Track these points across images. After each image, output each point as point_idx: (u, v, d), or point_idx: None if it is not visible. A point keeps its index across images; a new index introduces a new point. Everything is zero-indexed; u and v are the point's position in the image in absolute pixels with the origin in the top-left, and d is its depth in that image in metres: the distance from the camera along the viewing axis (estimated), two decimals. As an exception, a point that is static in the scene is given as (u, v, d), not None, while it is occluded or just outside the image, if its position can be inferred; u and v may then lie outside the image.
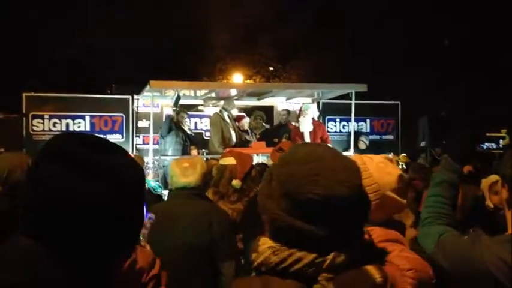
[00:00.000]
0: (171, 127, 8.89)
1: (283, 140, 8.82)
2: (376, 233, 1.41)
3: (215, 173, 3.97)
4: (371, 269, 1.18)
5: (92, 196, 0.99)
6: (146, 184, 2.09)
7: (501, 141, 8.30)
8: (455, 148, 2.03)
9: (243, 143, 8.62)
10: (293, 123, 9.83)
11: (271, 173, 1.23)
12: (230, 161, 3.91)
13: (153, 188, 2.63)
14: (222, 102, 9.96)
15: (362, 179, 1.22)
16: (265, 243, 1.20)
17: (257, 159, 7.69)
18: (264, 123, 9.89)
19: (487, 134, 8.54)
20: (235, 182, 3.78)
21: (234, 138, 8.56)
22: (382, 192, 1.60)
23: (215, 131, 8.48)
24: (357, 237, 1.21)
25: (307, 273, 1.13)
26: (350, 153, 9.34)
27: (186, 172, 3.11)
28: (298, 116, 9.11)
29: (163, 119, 9.46)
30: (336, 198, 1.12)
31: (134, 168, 1.10)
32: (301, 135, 8.85)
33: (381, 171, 1.64)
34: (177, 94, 8.92)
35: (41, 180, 1.01)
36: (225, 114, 8.62)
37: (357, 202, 1.16)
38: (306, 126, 8.75)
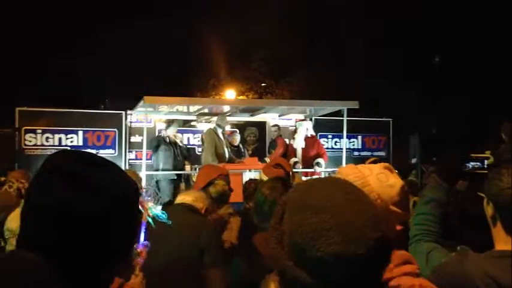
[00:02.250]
0: (159, 143, 8.92)
1: (270, 156, 8.96)
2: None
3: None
4: None
5: (87, 209, 1.04)
6: (150, 212, 2.13)
7: (486, 162, 8.42)
8: (442, 168, 2.09)
9: (234, 159, 8.66)
10: (285, 140, 9.91)
11: (283, 213, 1.13)
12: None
13: (156, 216, 2.65)
14: (215, 119, 10.01)
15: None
16: None
17: (249, 175, 7.73)
18: (256, 139, 9.96)
19: (472, 155, 8.69)
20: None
21: (226, 155, 8.59)
22: (385, 206, 1.51)
23: (208, 146, 8.51)
24: (376, 283, 1.12)
25: None
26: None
27: (189, 193, 3.36)
28: (293, 133, 9.23)
29: (156, 134, 9.50)
30: (350, 257, 1.01)
31: (127, 182, 1.16)
32: (295, 151, 8.96)
33: (382, 184, 1.55)
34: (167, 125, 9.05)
35: (39, 195, 1.07)
36: (219, 131, 8.66)
37: (377, 255, 1.04)
38: (298, 143, 8.87)
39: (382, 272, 1.13)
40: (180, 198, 3.39)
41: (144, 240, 2.03)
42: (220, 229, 3.81)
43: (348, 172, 1.61)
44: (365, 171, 1.58)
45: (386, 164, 1.65)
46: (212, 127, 8.82)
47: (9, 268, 1.02)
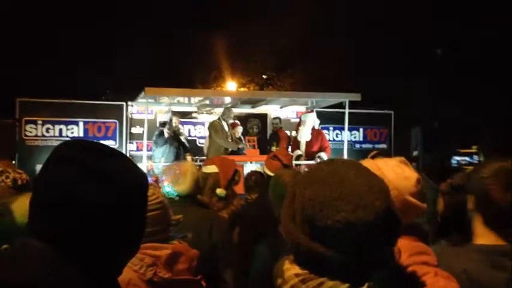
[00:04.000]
0: (163, 136, 8.88)
1: (276, 148, 8.89)
2: (404, 246, 1.34)
3: (200, 182, 3.97)
4: None
5: (97, 199, 1.03)
6: (162, 190, 2.14)
7: (475, 157, 8.44)
8: (428, 167, 2.09)
9: (238, 151, 8.63)
10: (286, 132, 9.88)
11: (294, 191, 1.17)
12: (213, 169, 3.89)
13: (167, 194, 2.61)
14: (216, 110, 9.99)
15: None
16: (290, 268, 1.14)
17: (251, 166, 7.71)
18: (258, 131, 9.94)
19: (460, 150, 8.73)
20: (220, 191, 3.76)
21: (229, 146, 8.58)
22: (402, 197, 1.53)
23: (218, 135, 8.46)
24: (389, 260, 1.14)
25: None
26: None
27: (177, 180, 3.06)
28: (298, 125, 9.15)
29: (157, 126, 9.47)
30: (359, 225, 1.04)
31: (136, 172, 1.15)
32: (298, 144, 8.90)
33: (398, 176, 1.57)
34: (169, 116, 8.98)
35: (48, 185, 1.06)
36: (224, 123, 8.63)
37: (384, 225, 1.07)
38: (304, 136, 8.79)
39: (392, 243, 1.15)
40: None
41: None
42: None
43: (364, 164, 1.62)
44: (380, 164, 1.60)
45: (402, 158, 1.66)
46: (217, 119, 8.77)
47: (20, 256, 1.04)
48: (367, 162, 1.56)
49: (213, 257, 2.95)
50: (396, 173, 1.57)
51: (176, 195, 3.05)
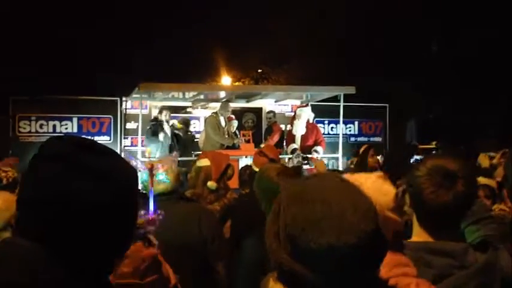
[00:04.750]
0: (156, 130, 8.84)
1: (265, 143, 8.92)
2: (384, 260, 1.39)
3: (192, 175, 3.98)
4: None
5: (87, 197, 1.01)
6: (155, 178, 2.12)
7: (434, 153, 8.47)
8: (389, 166, 2.10)
9: (233, 146, 8.62)
10: (281, 126, 9.87)
11: (279, 207, 1.13)
12: (205, 162, 3.93)
13: (159, 181, 2.61)
14: (211, 105, 9.96)
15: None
16: (275, 286, 1.12)
17: (246, 161, 7.70)
18: (254, 125, 9.92)
19: (420, 146, 8.79)
20: (210, 183, 3.82)
21: (225, 142, 8.56)
22: (382, 213, 1.52)
23: (215, 132, 8.45)
24: (372, 282, 1.13)
25: None
26: (339, 155, 9.39)
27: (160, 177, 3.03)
28: (293, 118, 9.14)
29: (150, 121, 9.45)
30: (342, 248, 1.01)
31: (128, 170, 1.13)
32: (293, 138, 8.90)
33: (377, 192, 1.57)
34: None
35: (38, 182, 1.03)
36: (221, 118, 8.60)
37: (370, 247, 1.04)
38: (299, 129, 8.79)
39: (377, 265, 1.12)
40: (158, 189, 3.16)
41: (155, 208, 2.00)
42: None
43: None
44: (360, 180, 1.59)
45: (381, 174, 1.70)
46: (214, 114, 8.73)
47: (7, 255, 1.00)
48: (348, 176, 1.55)
49: (203, 250, 2.96)
50: (375, 188, 1.57)
51: (161, 193, 3.03)
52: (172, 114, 9.32)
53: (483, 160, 6.04)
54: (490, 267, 1.68)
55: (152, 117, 9.53)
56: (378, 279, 1.22)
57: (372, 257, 1.07)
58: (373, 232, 1.04)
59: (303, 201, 1.07)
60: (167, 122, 8.97)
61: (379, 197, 1.54)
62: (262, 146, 8.98)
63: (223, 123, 8.58)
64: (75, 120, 9.68)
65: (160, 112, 9.06)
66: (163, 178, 2.65)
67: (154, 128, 8.88)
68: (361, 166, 5.94)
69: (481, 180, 4.29)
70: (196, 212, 3.09)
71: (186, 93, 10.09)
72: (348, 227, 1.02)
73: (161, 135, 8.80)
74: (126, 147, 9.93)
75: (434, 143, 9.56)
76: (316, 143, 8.86)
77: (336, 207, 1.04)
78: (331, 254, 1.01)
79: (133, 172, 1.14)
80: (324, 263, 1.02)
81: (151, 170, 2.04)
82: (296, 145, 8.80)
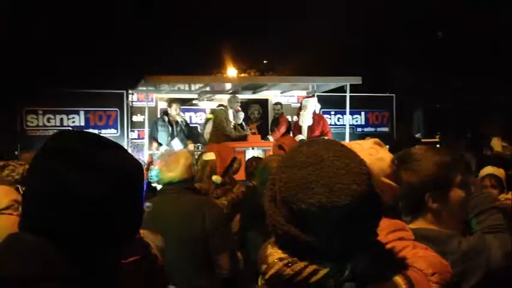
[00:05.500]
0: (157, 122, 8.85)
1: (273, 134, 8.93)
2: (381, 225, 1.33)
3: (199, 168, 3.98)
4: (397, 279, 1.14)
5: (92, 189, 1.02)
6: (150, 173, 2.14)
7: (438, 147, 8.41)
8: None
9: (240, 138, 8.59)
10: (287, 117, 9.85)
11: (275, 175, 1.16)
12: (211, 156, 3.92)
13: (151, 177, 2.63)
14: (217, 96, 9.95)
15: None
16: (274, 253, 1.13)
17: (253, 152, 7.71)
18: (260, 117, 9.90)
19: (423, 140, 8.75)
20: (215, 178, 3.82)
21: (233, 136, 8.53)
22: (377, 179, 1.50)
23: (222, 124, 8.40)
24: (370, 243, 1.14)
25: (327, 284, 1.07)
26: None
27: (170, 167, 3.08)
28: (299, 109, 9.13)
29: (158, 115, 9.46)
30: (333, 208, 1.02)
31: (132, 162, 1.14)
32: (300, 129, 8.89)
33: (372, 157, 1.57)
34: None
35: (43, 175, 1.04)
36: (230, 112, 8.56)
37: (363, 207, 1.05)
38: (306, 120, 8.77)
39: (373, 229, 1.14)
40: (167, 177, 3.13)
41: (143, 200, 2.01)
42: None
43: None
44: (356, 147, 1.58)
45: (376, 140, 1.67)
46: (222, 107, 8.70)
47: (15, 249, 1.02)
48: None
49: (206, 243, 2.96)
50: (371, 155, 1.57)
51: (167, 183, 3.05)
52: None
53: (496, 143, 6.00)
54: (474, 254, 1.71)
55: (161, 112, 9.52)
56: (378, 243, 1.23)
57: (366, 219, 1.08)
58: (366, 193, 1.05)
59: (297, 165, 1.09)
60: (177, 115, 8.96)
61: (375, 162, 1.55)
62: (269, 137, 9.01)
63: (231, 116, 8.56)
64: (82, 113, 9.70)
65: (170, 106, 9.02)
66: (154, 176, 2.67)
67: (154, 121, 8.87)
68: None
69: (489, 169, 4.27)
70: (200, 206, 3.09)
71: (192, 85, 10.08)
72: (339, 187, 1.03)
73: (171, 129, 8.82)
74: (133, 140, 9.96)
75: (437, 136, 9.53)
76: (323, 133, 8.84)
77: (328, 169, 1.06)
78: (323, 214, 1.02)
79: (137, 165, 1.15)
80: (316, 224, 1.04)
81: (148, 164, 2.06)
82: (303, 136, 8.78)
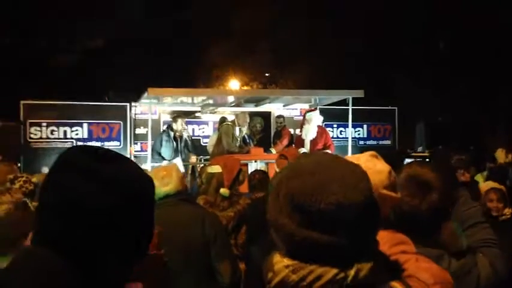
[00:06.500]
0: (161, 136, 8.86)
1: (275, 147, 8.94)
2: (384, 238, 1.37)
3: (204, 182, 3.99)
4: (398, 286, 1.16)
5: (102, 204, 1.03)
6: None
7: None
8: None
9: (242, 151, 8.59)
10: (290, 130, 9.87)
11: (279, 187, 1.17)
12: (217, 169, 3.93)
13: None
14: (220, 109, 9.98)
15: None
16: (280, 261, 1.15)
17: (255, 165, 7.71)
18: (262, 129, 9.91)
19: (413, 154, 8.74)
20: (223, 191, 3.82)
21: (236, 151, 8.52)
22: (377, 192, 1.53)
23: (228, 139, 8.38)
24: (374, 247, 1.18)
25: None
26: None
27: (164, 181, 3.11)
28: (302, 123, 9.13)
29: (161, 127, 9.47)
30: (350, 205, 1.08)
31: (143, 177, 1.15)
32: (302, 142, 8.88)
33: (370, 171, 1.53)
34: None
35: (52, 189, 1.06)
36: (237, 129, 8.57)
37: (370, 208, 1.13)
38: (309, 134, 8.75)
39: (376, 230, 1.19)
40: (162, 191, 3.09)
41: None
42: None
43: None
44: (352, 160, 1.59)
45: (372, 152, 1.70)
46: (230, 123, 8.69)
47: (23, 263, 1.03)
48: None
49: (207, 252, 2.99)
50: (368, 167, 1.53)
51: (164, 196, 3.06)
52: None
53: (500, 155, 6.01)
54: (463, 273, 1.73)
55: (165, 125, 9.50)
56: (380, 254, 1.26)
57: (373, 216, 1.15)
58: (372, 191, 1.14)
59: (306, 173, 1.13)
60: (183, 130, 8.96)
61: (373, 175, 1.53)
62: (271, 149, 9.01)
63: (237, 133, 8.55)
64: (85, 125, 9.74)
65: (175, 120, 9.00)
66: None
67: (167, 136, 8.86)
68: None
69: (490, 184, 4.29)
70: (199, 215, 3.13)
71: (195, 98, 10.13)
72: (353, 186, 1.10)
73: (175, 144, 8.81)
74: (136, 152, 9.97)
75: (428, 151, 9.51)
76: (326, 146, 8.83)
77: (337, 172, 1.13)
78: (340, 213, 1.08)
79: (146, 178, 1.16)
80: (334, 223, 1.08)
81: None
82: (305, 149, 8.78)
